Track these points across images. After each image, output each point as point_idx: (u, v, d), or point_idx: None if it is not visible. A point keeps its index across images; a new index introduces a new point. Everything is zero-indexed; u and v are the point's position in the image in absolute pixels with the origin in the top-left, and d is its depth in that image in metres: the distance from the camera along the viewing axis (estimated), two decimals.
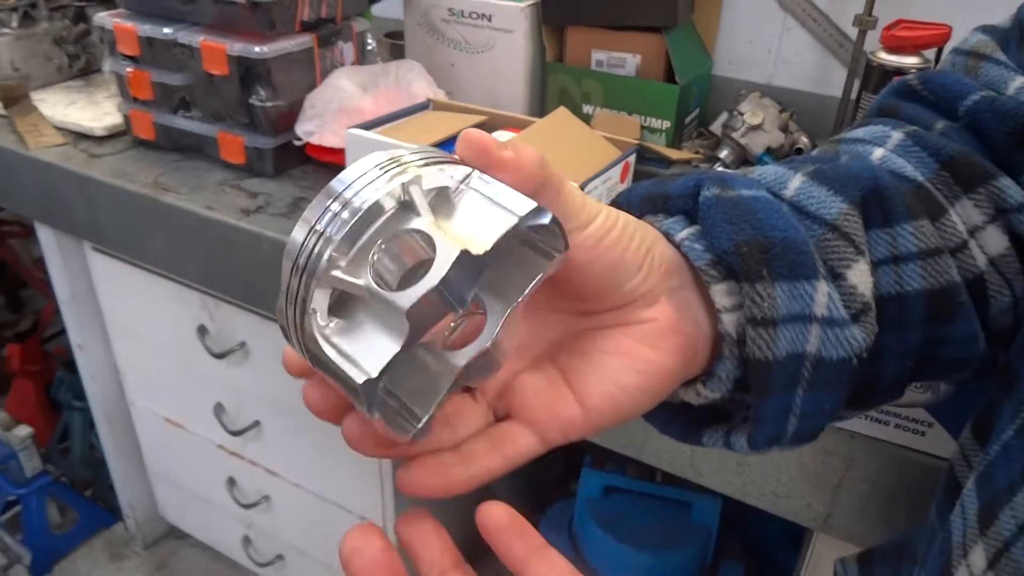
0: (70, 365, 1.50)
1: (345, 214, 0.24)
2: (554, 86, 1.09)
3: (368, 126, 0.85)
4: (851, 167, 0.34)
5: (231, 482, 1.32)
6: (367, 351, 0.24)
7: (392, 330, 0.24)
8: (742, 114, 0.99)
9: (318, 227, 0.24)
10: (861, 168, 0.34)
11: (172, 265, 1.05)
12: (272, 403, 1.17)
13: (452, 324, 0.29)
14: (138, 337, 1.29)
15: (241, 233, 0.91)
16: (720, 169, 0.88)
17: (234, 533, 1.42)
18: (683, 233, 0.32)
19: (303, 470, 1.21)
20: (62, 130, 1.12)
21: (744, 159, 1.00)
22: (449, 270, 0.23)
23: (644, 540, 1.13)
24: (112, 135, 1.11)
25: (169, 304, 1.16)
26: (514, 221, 0.24)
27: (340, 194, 0.24)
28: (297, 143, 0.98)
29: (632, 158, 0.84)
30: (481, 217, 0.25)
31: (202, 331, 1.15)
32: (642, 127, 1.04)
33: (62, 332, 1.63)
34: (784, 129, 1.00)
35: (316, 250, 0.24)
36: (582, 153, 0.82)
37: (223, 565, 1.57)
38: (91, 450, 1.64)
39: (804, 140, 1.00)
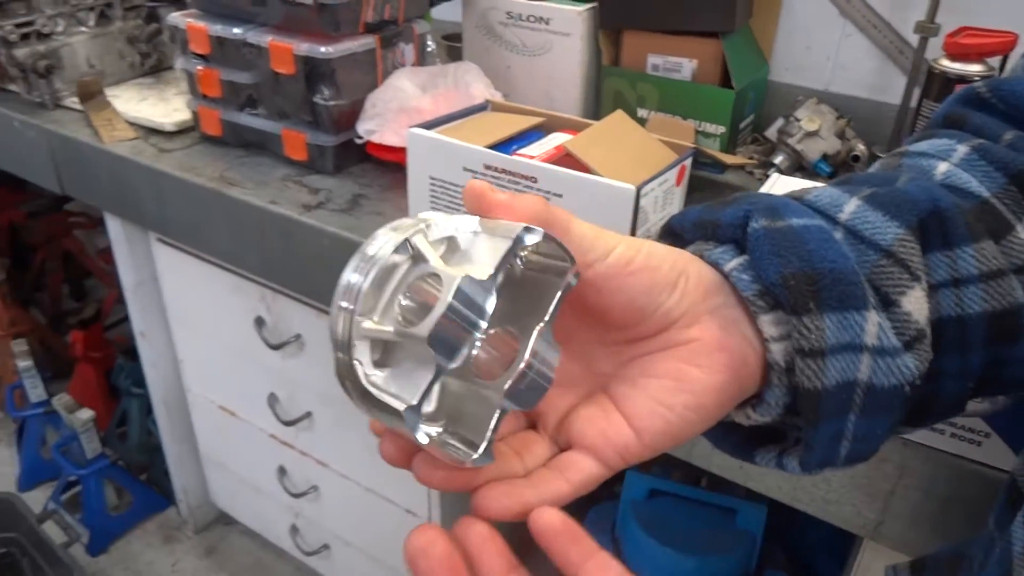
0: (130, 353, 1.55)
1: (365, 274, 0.28)
2: (609, 89, 1.09)
3: (429, 126, 0.87)
4: (909, 190, 0.34)
5: (281, 471, 1.36)
6: (408, 385, 0.28)
7: (425, 362, 0.28)
8: (798, 120, 0.99)
9: (351, 286, 0.29)
10: (919, 191, 0.33)
11: (234, 257, 1.09)
12: (324, 395, 1.20)
13: (496, 352, 0.31)
14: (198, 326, 1.33)
15: (302, 227, 0.93)
16: (774, 178, 0.87)
17: (282, 521, 1.45)
18: (732, 264, 0.33)
19: (352, 462, 1.23)
20: (134, 125, 1.16)
21: (799, 165, 1.00)
22: (454, 294, 0.27)
23: (688, 545, 1.13)
24: (181, 131, 1.15)
25: (229, 295, 1.20)
26: (508, 244, 0.28)
27: (364, 257, 0.29)
28: (358, 141, 1.01)
29: (688, 162, 0.84)
30: (484, 250, 0.29)
31: (259, 322, 1.18)
32: (696, 132, 1.04)
33: (123, 320, 1.69)
34: (841, 136, 0.99)
35: (351, 308, 0.29)
36: (639, 156, 0.82)
37: (270, 552, 1.61)
38: (148, 436, 1.69)
39: (861, 147, 0.99)
